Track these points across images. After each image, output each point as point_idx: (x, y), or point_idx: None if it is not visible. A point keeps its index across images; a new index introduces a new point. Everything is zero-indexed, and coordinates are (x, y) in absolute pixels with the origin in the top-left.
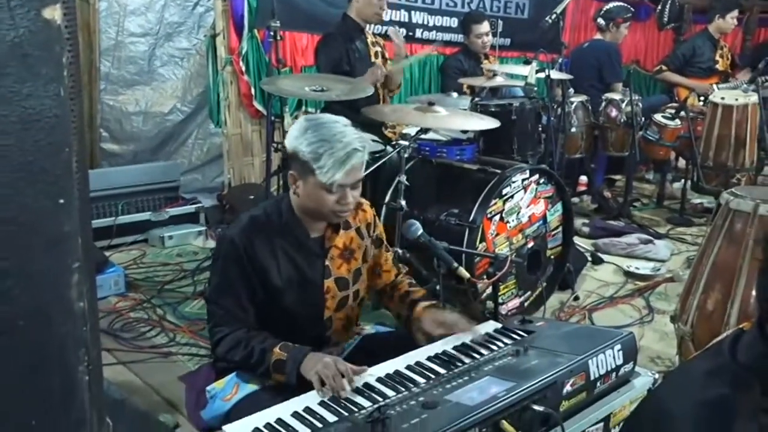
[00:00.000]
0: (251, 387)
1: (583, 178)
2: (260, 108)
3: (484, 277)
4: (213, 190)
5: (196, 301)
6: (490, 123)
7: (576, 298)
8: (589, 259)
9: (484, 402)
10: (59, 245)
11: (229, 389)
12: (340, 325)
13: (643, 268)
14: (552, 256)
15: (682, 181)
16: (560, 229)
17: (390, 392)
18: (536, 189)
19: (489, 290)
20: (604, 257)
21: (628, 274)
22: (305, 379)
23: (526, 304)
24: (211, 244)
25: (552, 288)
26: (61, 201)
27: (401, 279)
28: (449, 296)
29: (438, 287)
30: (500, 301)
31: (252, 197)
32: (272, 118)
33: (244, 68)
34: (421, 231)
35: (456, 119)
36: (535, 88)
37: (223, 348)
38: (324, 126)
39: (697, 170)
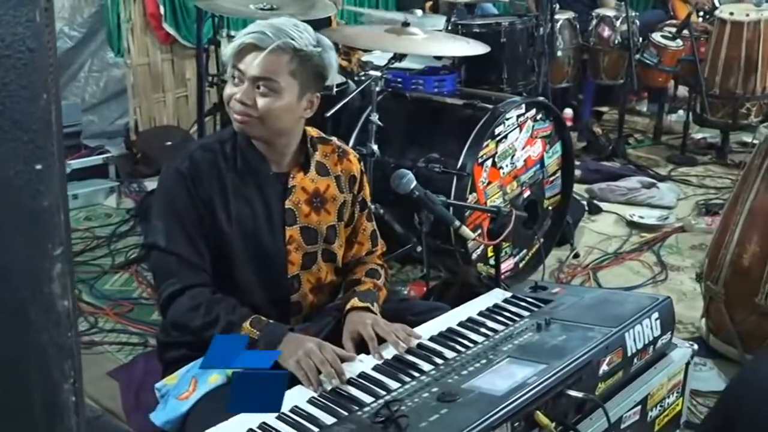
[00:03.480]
0: (213, 381)
1: (569, 112)
2: (171, 31)
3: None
4: (113, 135)
5: (117, 275)
6: (478, 48)
7: (576, 256)
8: (586, 207)
9: (513, 390)
10: (37, 225)
11: (184, 385)
12: (308, 289)
13: (648, 216)
14: (550, 207)
15: (681, 112)
16: (559, 174)
17: (393, 383)
18: (533, 127)
19: (479, 251)
20: (602, 205)
21: (632, 225)
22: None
23: (521, 264)
24: (127, 203)
25: (550, 245)
26: (38, 167)
27: (366, 259)
28: (432, 260)
29: (419, 248)
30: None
31: (170, 143)
32: (204, 44)
33: None
34: (414, 183)
35: (436, 44)
36: (524, 4)
37: (177, 309)
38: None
39: (701, 99)
